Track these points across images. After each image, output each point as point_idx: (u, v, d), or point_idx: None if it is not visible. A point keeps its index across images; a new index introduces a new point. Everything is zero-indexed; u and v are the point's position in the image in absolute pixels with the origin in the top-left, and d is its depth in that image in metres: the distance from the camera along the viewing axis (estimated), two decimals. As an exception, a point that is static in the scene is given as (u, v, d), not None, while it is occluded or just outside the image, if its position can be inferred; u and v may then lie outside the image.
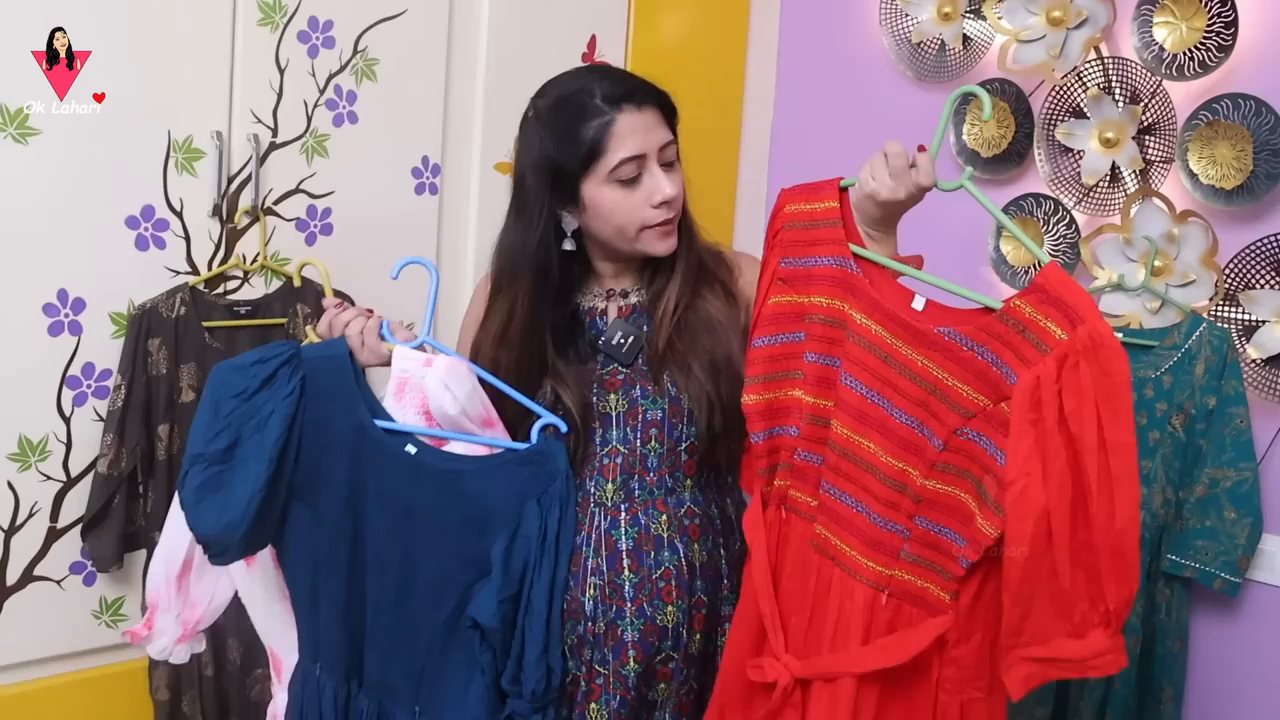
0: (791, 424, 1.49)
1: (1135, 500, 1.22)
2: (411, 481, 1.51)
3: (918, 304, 1.39)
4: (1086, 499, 1.22)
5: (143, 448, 1.98)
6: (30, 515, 1.94)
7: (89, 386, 1.97)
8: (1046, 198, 2.43)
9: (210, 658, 2.02)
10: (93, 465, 1.96)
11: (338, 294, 1.78)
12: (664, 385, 1.63)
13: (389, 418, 1.55)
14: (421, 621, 1.53)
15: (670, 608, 1.60)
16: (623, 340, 1.63)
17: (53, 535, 1.96)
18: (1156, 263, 2.24)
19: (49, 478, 1.95)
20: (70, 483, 1.97)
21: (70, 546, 1.97)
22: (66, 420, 1.96)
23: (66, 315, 1.93)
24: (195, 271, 2.05)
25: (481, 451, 1.55)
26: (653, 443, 1.62)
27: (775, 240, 1.51)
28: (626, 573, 1.59)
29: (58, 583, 1.97)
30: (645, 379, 1.63)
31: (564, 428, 1.53)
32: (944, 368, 1.34)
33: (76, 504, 1.97)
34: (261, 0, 2.06)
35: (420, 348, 1.58)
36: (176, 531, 1.65)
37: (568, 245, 1.62)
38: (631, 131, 1.54)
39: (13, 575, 1.93)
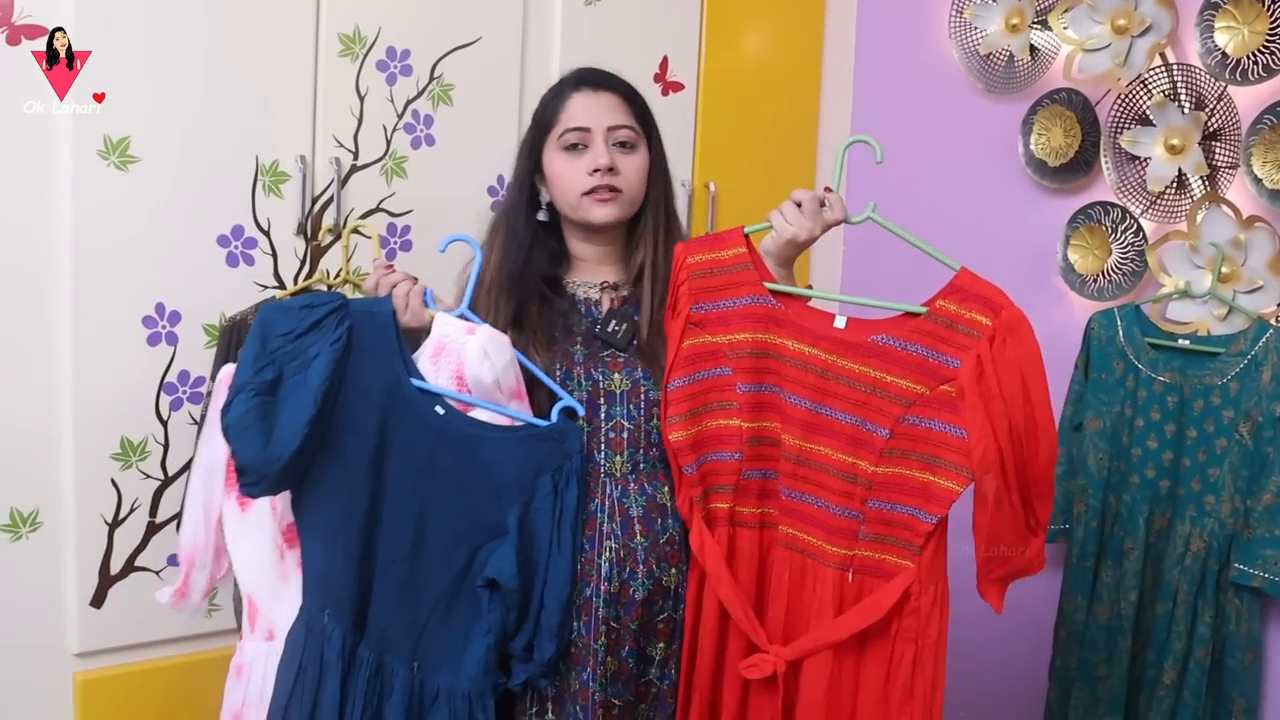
0: (727, 450, 1.67)
1: (1053, 439, 1.51)
2: (435, 441, 1.56)
3: (839, 323, 1.61)
4: (1021, 445, 1.50)
5: (233, 449, 2.12)
6: (131, 510, 2.10)
7: (184, 392, 2.13)
8: (1114, 205, 2.42)
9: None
10: (188, 465, 2.08)
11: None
12: (660, 370, 1.74)
13: (423, 378, 1.58)
14: (430, 578, 1.57)
15: (674, 570, 1.73)
16: (617, 328, 1.76)
17: (152, 529, 2.12)
18: (1223, 269, 2.22)
19: (148, 476, 2.11)
20: (168, 481, 2.13)
21: (168, 540, 2.12)
22: (164, 423, 2.12)
23: (164, 327, 2.09)
24: (282, 286, 2.19)
25: (504, 422, 1.61)
26: (654, 420, 1.73)
27: (681, 290, 1.67)
28: (639, 538, 1.71)
29: (156, 573, 2.13)
30: (646, 362, 1.75)
31: (581, 411, 1.65)
32: (881, 369, 1.57)
33: (173, 500, 2.12)
34: (342, 33, 2.20)
35: (459, 318, 1.63)
36: (208, 487, 1.66)
37: (541, 216, 1.79)
38: (582, 108, 1.74)
39: (116, 565, 2.10)
